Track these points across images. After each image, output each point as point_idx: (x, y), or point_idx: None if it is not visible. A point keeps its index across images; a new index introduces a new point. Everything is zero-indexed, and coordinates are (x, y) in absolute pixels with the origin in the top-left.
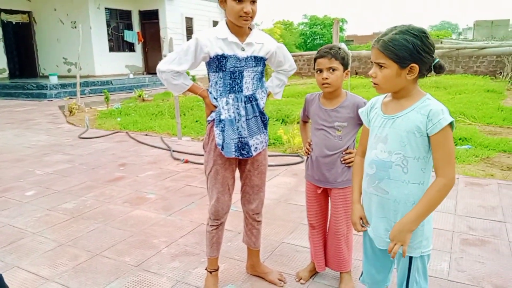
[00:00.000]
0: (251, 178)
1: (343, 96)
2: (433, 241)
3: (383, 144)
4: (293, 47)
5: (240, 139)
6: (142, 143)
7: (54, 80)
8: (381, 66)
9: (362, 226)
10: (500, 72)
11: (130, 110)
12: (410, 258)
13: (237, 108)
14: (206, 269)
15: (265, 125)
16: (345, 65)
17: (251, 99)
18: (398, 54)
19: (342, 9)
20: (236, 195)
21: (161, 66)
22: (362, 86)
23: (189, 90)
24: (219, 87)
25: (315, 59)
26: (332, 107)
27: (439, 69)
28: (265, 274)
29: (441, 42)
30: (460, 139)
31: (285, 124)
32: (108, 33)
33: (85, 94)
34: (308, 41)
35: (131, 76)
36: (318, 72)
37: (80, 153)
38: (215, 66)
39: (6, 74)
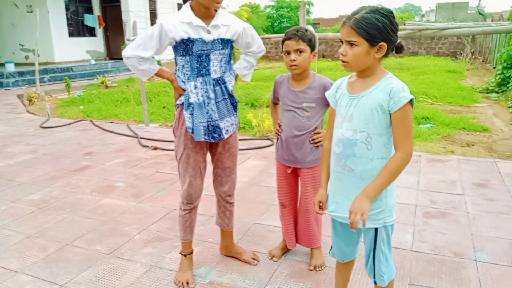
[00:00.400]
0: (222, 161)
1: (311, 77)
2: (398, 215)
3: (349, 123)
4: (260, 30)
5: (211, 122)
6: (108, 131)
7: (10, 68)
8: (352, 44)
9: (321, 208)
10: (461, 53)
11: (93, 97)
12: (376, 230)
13: (206, 92)
14: (180, 253)
15: (234, 107)
16: (312, 47)
17: (219, 81)
18: (369, 32)
19: None
20: (208, 179)
21: (126, 52)
22: (329, 69)
23: (157, 74)
24: (187, 71)
25: (282, 41)
26: (300, 88)
27: (400, 49)
28: (238, 254)
29: (404, 24)
30: (422, 118)
31: (255, 108)
32: (67, 18)
33: (44, 82)
34: (275, 24)
35: (93, 62)
36: (286, 54)
37: (42, 143)
38: (181, 50)
39: None
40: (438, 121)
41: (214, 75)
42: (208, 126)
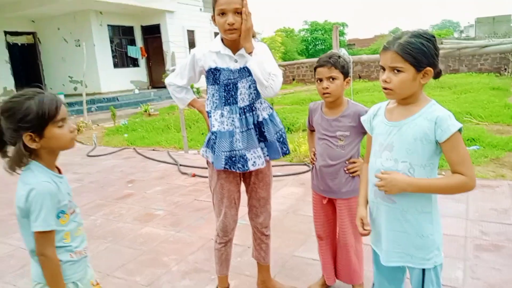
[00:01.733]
0: (256, 191)
1: (344, 104)
2: (446, 248)
3: (389, 152)
4: (295, 54)
5: (234, 152)
6: (150, 158)
7: (60, 99)
8: (397, 70)
9: (363, 228)
10: (505, 69)
11: (137, 125)
12: (423, 270)
13: (232, 120)
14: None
15: (263, 137)
16: (345, 74)
17: (246, 110)
18: (416, 57)
19: (343, 12)
20: (243, 208)
21: (166, 80)
22: (366, 89)
23: (190, 104)
24: (215, 99)
25: (315, 68)
26: (333, 116)
27: (439, 74)
28: None
29: (441, 43)
30: (468, 139)
31: (291, 132)
32: (112, 50)
33: (92, 111)
34: (310, 47)
35: (137, 91)
36: (319, 81)
37: (89, 171)
38: (211, 79)
39: None
40: (485, 142)
41: (242, 103)
42: (230, 155)
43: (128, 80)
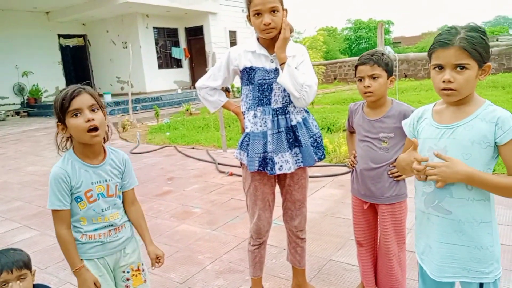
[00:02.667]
0: (291, 193)
1: (388, 104)
2: (502, 260)
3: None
4: (338, 53)
5: (266, 154)
6: (189, 156)
7: (108, 98)
8: (462, 68)
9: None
10: None
11: (178, 124)
12: (481, 284)
13: (264, 122)
14: None
15: (298, 141)
16: (389, 72)
17: (278, 112)
18: (480, 53)
19: (388, 10)
20: (278, 208)
21: (198, 83)
22: (412, 89)
23: (224, 106)
24: (249, 99)
25: (356, 66)
26: (376, 117)
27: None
28: None
29: (497, 39)
30: None
31: (331, 133)
32: (157, 51)
33: (137, 110)
34: (353, 46)
35: (179, 91)
36: (360, 80)
37: None
38: (245, 79)
39: None
40: None
41: (275, 105)
42: (264, 157)
43: (172, 80)
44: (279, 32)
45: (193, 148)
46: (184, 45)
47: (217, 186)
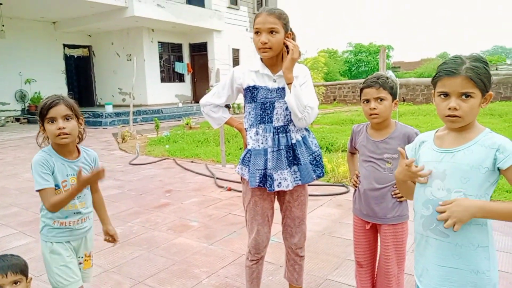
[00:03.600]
0: (291, 210)
1: (392, 126)
2: (498, 286)
3: (441, 181)
4: (338, 75)
5: (266, 170)
6: (188, 170)
7: (109, 109)
8: (467, 96)
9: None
10: None
11: (178, 137)
12: None
13: (266, 139)
14: None
15: (297, 159)
16: (393, 95)
17: (280, 130)
18: (484, 82)
19: (388, 36)
20: (277, 226)
21: (202, 100)
22: (410, 113)
23: (227, 123)
24: (252, 117)
25: (361, 90)
26: (380, 138)
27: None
28: None
29: (496, 69)
30: None
31: (329, 152)
32: (160, 65)
33: (137, 122)
34: (353, 68)
35: (180, 105)
36: (365, 102)
37: (129, 179)
38: (248, 97)
39: None
40: None
41: (276, 123)
42: (265, 173)
43: (173, 94)
44: (280, 53)
45: (192, 161)
46: (187, 60)
47: (215, 201)
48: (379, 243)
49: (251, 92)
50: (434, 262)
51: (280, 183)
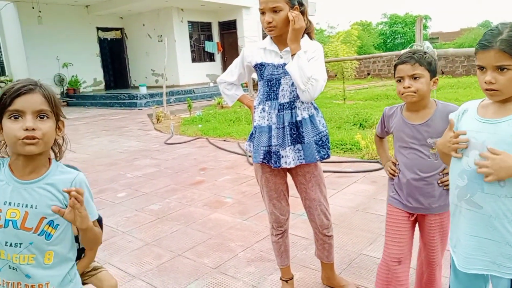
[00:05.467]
0: (306, 191)
1: (432, 106)
2: None
3: (478, 151)
4: (372, 48)
5: (271, 147)
6: (221, 148)
7: (143, 90)
8: (503, 69)
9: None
10: None
11: (210, 117)
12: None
13: (271, 116)
14: (281, 278)
15: (301, 137)
16: (432, 72)
17: (285, 107)
18: None
19: (426, 5)
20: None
21: (218, 78)
22: (449, 86)
23: (239, 100)
24: (260, 94)
25: (395, 66)
26: (420, 122)
27: None
28: (341, 287)
29: None
30: None
31: (363, 129)
32: (191, 45)
33: (170, 102)
34: (388, 40)
35: (211, 84)
36: (399, 81)
37: (165, 158)
38: (258, 75)
39: (102, 86)
40: None
41: (282, 99)
42: (269, 150)
43: (204, 73)
44: (287, 29)
45: (224, 140)
46: (217, 39)
47: (248, 178)
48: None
49: (259, 70)
50: (467, 232)
51: (286, 160)
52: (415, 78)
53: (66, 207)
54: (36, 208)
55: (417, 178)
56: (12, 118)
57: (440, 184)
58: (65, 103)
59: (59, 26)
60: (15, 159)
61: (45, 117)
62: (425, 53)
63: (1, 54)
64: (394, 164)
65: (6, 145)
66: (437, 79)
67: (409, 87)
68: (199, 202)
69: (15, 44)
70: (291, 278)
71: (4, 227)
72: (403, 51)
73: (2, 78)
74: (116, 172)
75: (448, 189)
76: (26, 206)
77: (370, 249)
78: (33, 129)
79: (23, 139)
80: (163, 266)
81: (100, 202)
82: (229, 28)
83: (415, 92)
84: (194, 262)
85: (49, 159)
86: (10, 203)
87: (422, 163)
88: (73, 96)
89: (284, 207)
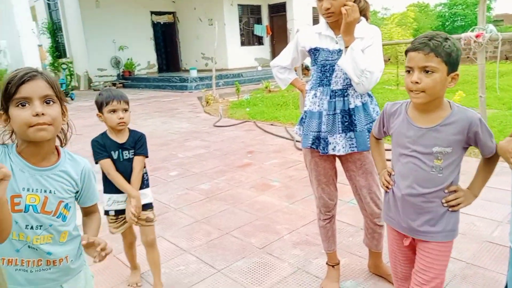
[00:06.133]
0: (356, 179)
1: (446, 109)
2: None
3: None
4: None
5: (320, 133)
6: (268, 132)
7: (193, 73)
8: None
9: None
10: None
11: (258, 100)
12: None
13: (322, 102)
14: (327, 263)
15: (354, 125)
16: (451, 65)
17: (337, 94)
18: None
19: None
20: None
21: (272, 62)
22: None
23: (292, 83)
24: (313, 79)
25: (406, 52)
26: (429, 125)
27: None
28: (389, 276)
29: None
30: None
31: None
32: (240, 28)
33: (219, 86)
34: (447, 23)
35: (259, 68)
36: (408, 72)
37: (214, 140)
38: (312, 59)
39: (155, 68)
40: None
41: (335, 86)
42: (318, 136)
43: (253, 57)
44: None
45: (271, 124)
46: (266, 22)
47: (295, 163)
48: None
49: (313, 54)
50: None
51: (334, 147)
52: (427, 72)
53: (77, 192)
54: (54, 193)
55: (414, 193)
56: (20, 105)
57: (445, 204)
58: (121, 85)
59: (115, 10)
60: (25, 146)
61: (51, 102)
62: (446, 39)
63: (63, 37)
64: (390, 174)
65: (11, 134)
66: (457, 74)
67: (417, 82)
68: (246, 184)
69: (75, 28)
70: (338, 264)
71: (24, 212)
72: (462, 35)
73: (64, 60)
74: (168, 152)
75: (455, 211)
76: (45, 191)
77: None
78: (43, 114)
79: (34, 125)
80: (211, 242)
81: (154, 180)
82: (278, 11)
83: (423, 91)
84: (241, 241)
85: (56, 146)
86: (29, 189)
87: (422, 176)
88: (128, 78)
89: (332, 192)
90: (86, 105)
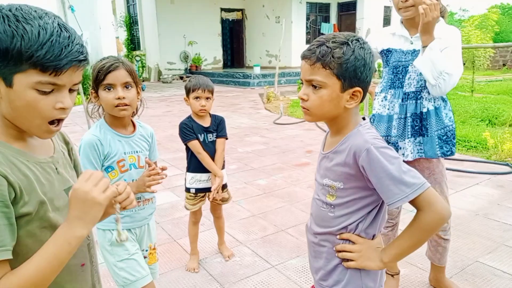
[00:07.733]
0: None
1: (348, 130)
2: None
3: None
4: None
5: (389, 137)
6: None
7: (257, 70)
8: (315, 87)
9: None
10: None
11: None
12: None
13: (393, 105)
14: (386, 272)
15: (424, 129)
16: (346, 79)
17: (409, 96)
18: None
19: None
20: None
21: None
22: None
23: None
24: (384, 82)
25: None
26: (326, 151)
27: None
28: None
29: None
30: None
31: (493, 126)
32: (307, 26)
33: (281, 83)
34: None
35: None
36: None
37: (273, 137)
38: (384, 61)
39: (220, 64)
40: None
41: (407, 88)
42: (386, 141)
43: None
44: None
45: None
46: (334, 20)
47: None
48: None
49: (386, 56)
50: None
51: (404, 153)
52: (314, 87)
53: (148, 149)
54: (142, 152)
55: (310, 229)
56: (106, 89)
57: (337, 254)
58: (188, 78)
59: (188, 6)
60: (112, 119)
61: (130, 87)
62: (343, 44)
63: (138, 31)
64: None
65: (98, 108)
66: (359, 91)
67: (302, 98)
68: (303, 183)
69: (150, 22)
70: (398, 273)
71: (129, 170)
72: None
73: (138, 52)
74: (228, 146)
75: (346, 267)
76: (137, 152)
77: (488, 258)
78: (124, 97)
79: (117, 106)
80: (267, 238)
81: None
82: (348, 9)
83: (309, 110)
84: (297, 240)
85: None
86: (127, 152)
87: (315, 211)
88: (195, 72)
89: None
90: (155, 96)
